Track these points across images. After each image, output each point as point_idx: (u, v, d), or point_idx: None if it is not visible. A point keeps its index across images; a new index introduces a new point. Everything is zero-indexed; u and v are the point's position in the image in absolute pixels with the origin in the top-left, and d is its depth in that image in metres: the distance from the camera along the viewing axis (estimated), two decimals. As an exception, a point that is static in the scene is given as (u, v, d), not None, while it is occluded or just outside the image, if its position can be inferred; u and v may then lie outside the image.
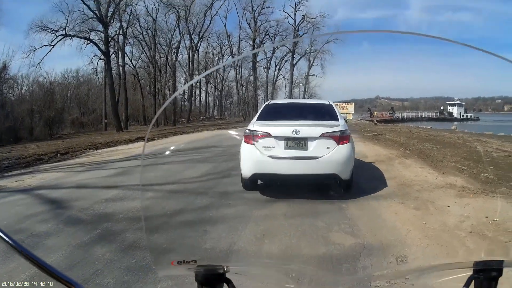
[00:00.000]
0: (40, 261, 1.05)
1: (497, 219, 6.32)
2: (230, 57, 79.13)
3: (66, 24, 43.99)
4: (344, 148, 7.97)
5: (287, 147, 7.96)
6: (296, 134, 7.88)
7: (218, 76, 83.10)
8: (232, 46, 79.00)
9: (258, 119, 8.75)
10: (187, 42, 67.22)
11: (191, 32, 66.15)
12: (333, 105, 9.72)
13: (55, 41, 44.08)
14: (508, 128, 45.82)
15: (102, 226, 6.29)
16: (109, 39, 47.07)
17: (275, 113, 9.39)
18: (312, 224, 6.35)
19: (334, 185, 8.65)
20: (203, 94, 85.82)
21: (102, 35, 46.19)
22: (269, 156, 7.91)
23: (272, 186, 8.94)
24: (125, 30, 51.78)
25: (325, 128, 8.05)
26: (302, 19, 79.84)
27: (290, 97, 76.28)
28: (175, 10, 60.82)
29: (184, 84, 73.86)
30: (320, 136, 7.92)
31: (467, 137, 22.54)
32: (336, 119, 8.77)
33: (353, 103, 75.15)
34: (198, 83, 77.88)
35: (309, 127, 8.04)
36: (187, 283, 1.42)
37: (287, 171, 7.95)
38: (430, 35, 1.38)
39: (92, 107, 64.06)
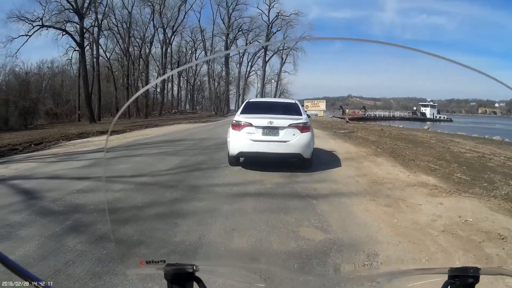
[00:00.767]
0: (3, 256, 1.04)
1: (470, 219, 6.37)
2: (203, 52, 79.35)
3: (43, 14, 44.81)
4: (306, 136, 10.76)
5: (264, 134, 10.66)
6: (271, 124, 10.61)
7: (191, 70, 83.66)
8: (206, 40, 79.33)
9: (242, 113, 11.42)
10: (161, 36, 67.95)
11: (165, 26, 66.69)
12: (298, 103, 12.76)
13: (32, 31, 44.85)
14: (481, 130, 46.59)
15: (74, 217, 6.21)
16: (84, 30, 47.28)
17: (254, 108, 11.86)
18: (282, 219, 6.32)
19: (298, 162, 11.08)
20: (175, 88, 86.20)
21: (78, 26, 46.42)
22: (251, 140, 10.65)
23: (251, 162, 11.52)
24: (100, 22, 52.13)
25: (291, 120, 10.80)
26: (276, 16, 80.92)
27: (262, 93, 79.99)
28: (150, 4, 60.96)
29: (157, 77, 73.91)
30: (288, 126, 10.65)
31: (440, 137, 22.82)
32: (300, 114, 11.53)
33: (325, 100, 76.12)
34: (171, 77, 77.89)
35: (280, 119, 10.74)
36: (158, 275, 1.39)
37: (264, 150, 10.62)
38: (435, 54, 1.27)
39: (66, 98, 63.90)
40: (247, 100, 13.40)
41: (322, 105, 72.65)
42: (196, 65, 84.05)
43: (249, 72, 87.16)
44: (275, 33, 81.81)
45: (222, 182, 9.21)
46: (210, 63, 78.62)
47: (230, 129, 11.07)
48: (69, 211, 6.62)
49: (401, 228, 5.96)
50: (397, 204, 7.39)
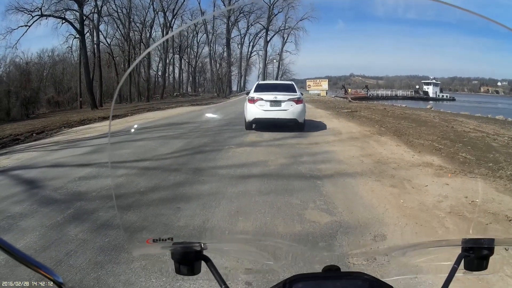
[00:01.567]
0: (10, 246, 0.98)
1: (477, 200, 6.30)
2: (205, 34, 78.98)
3: (42, 4, 44.31)
4: (299, 106, 15.22)
5: (271, 106, 15.01)
6: (275, 98, 15.07)
7: (192, 52, 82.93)
8: (207, 23, 78.80)
9: (255, 91, 15.77)
10: (161, 20, 67.25)
11: (165, 10, 66.00)
12: (294, 84, 17.33)
13: (31, 22, 44.47)
14: (484, 109, 46.31)
15: (75, 206, 6.17)
16: (84, 17, 46.89)
17: (263, 88, 16.36)
18: (287, 201, 6.25)
19: (294, 125, 15.31)
20: (176, 71, 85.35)
21: (77, 14, 46.02)
22: (262, 109, 14.97)
23: (262, 126, 15.31)
24: (100, 8, 51.55)
25: (289, 96, 15.31)
26: None
27: (264, 73, 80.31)
28: (150, -13, 60.42)
29: (159, 62, 73.29)
30: (287, 100, 15.06)
31: (444, 117, 22.66)
32: (295, 91, 16.07)
33: (327, 80, 75.52)
34: (172, 60, 77.69)
35: (281, 95, 15.23)
36: (160, 261, 1.32)
37: (271, 117, 14.97)
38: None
39: (67, 86, 63.59)
40: (257, 82, 17.90)
41: (325, 84, 72.18)
42: (198, 47, 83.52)
43: (251, 53, 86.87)
44: (276, 14, 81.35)
45: (226, 164, 9.14)
46: (211, 45, 78.34)
47: (247, 103, 15.44)
48: (71, 199, 6.58)
49: (408, 209, 5.89)
50: (403, 184, 7.30)
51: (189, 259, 1.26)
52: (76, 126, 20.45)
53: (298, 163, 9.28)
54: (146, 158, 9.93)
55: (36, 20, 44.60)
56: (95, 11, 50.98)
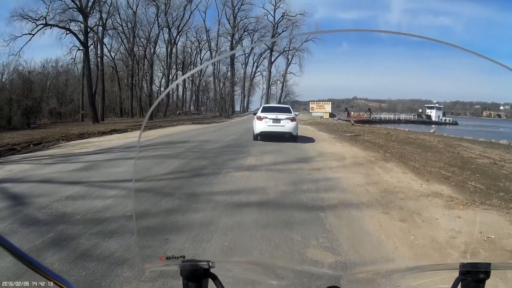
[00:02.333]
0: (30, 258, 1.05)
1: (492, 236, 5.79)
2: (208, 52, 79.82)
3: (47, 13, 45.76)
4: (294, 123, 20.17)
5: (273, 122, 19.76)
6: (276, 117, 19.86)
7: (196, 71, 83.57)
8: (211, 40, 79.51)
9: (262, 112, 20.67)
10: (166, 36, 68.21)
11: (170, 26, 67.13)
12: (290, 107, 23.08)
13: (35, 30, 45.48)
14: (487, 133, 46.20)
15: (57, 229, 5.73)
16: (89, 30, 47.45)
17: (267, 109, 21.50)
18: (286, 236, 5.68)
19: (289, 137, 20.08)
20: (180, 89, 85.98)
21: (82, 25, 46.69)
22: (266, 125, 19.73)
23: (265, 138, 19.61)
24: (104, 21, 52.58)
25: (286, 115, 20.16)
26: (281, 16, 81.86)
27: (268, 94, 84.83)
28: (155, 3, 60.95)
29: (162, 78, 73.61)
30: (285, 118, 19.92)
31: (448, 141, 22.49)
32: (291, 112, 20.97)
33: (330, 102, 75.91)
34: (175, 78, 78.42)
35: (281, 115, 20.06)
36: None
37: (273, 130, 19.76)
38: (424, 37, 1.39)
39: (70, 98, 64.35)
40: (263, 105, 25.48)
41: (328, 107, 72.28)
42: (201, 63, 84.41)
43: (255, 73, 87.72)
44: (280, 33, 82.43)
45: (222, 190, 8.63)
46: (216, 64, 78.82)
47: (255, 120, 20.42)
48: (54, 220, 6.18)
49: (419, 248, 5.40)
50: (412, 218, 6.79)
51: (197, 276, 1.29)
52: (74, 140, 20.66)
53: (300, 191, 8.72)
54: (138, 179, 9.37)
55: (40, 29, 45.76)
56: (100, 24, 51.84)
